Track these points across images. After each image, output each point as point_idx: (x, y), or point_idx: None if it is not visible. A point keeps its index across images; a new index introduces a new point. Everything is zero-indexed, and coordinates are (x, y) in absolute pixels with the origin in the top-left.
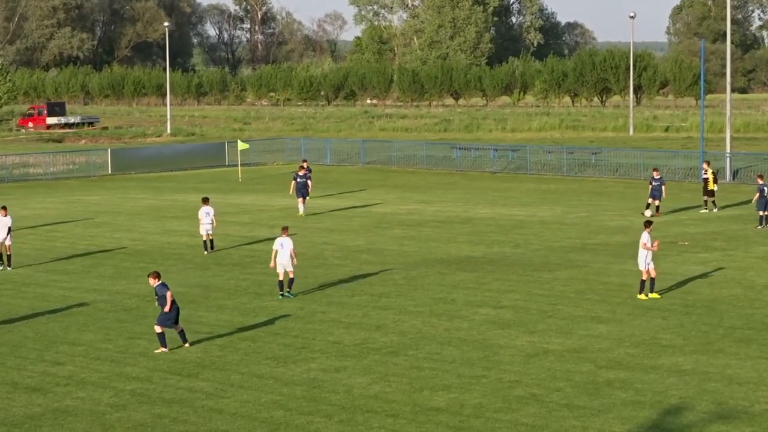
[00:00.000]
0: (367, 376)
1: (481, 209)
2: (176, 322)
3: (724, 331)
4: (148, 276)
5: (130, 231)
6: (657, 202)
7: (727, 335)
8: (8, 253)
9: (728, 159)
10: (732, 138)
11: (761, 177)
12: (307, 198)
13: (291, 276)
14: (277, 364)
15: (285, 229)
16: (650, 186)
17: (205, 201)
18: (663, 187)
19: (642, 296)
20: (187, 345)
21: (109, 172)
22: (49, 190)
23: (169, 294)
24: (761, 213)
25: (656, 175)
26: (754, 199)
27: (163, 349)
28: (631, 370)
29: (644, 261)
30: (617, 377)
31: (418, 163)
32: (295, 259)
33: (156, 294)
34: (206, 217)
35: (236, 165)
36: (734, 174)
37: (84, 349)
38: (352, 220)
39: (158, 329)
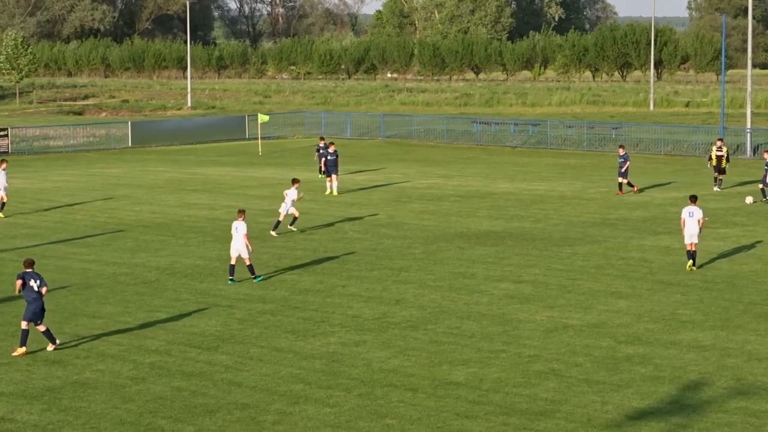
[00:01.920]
0: (386, 350)
1: (501, 184)
2: (42, 319)
3: (744, 307)
4: (24, 263)
5: (149, 204)
6: (626, 181)
7: (747, 311)
8: None
9: (749, 134)
10: (752, 113)
11: None
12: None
13: (248, 263)
14: (296, 338)
15: (241, 212)
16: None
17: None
18: (627, 163)
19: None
20: (52, 347)
21: (129, 144)
22: (69, 163)
23: (44, 289)
24: (766, 187)
25: (621, 152)
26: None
27: (22, 349)
28: (651, 345)
29: (697, 234)
30: (636, 352)
31: (438, 138)
32: (250, 246)
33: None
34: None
35: (256, 138)
36: (755, 150)
37: (104, 321)
38: (371, 194)
39: (25, 325)
